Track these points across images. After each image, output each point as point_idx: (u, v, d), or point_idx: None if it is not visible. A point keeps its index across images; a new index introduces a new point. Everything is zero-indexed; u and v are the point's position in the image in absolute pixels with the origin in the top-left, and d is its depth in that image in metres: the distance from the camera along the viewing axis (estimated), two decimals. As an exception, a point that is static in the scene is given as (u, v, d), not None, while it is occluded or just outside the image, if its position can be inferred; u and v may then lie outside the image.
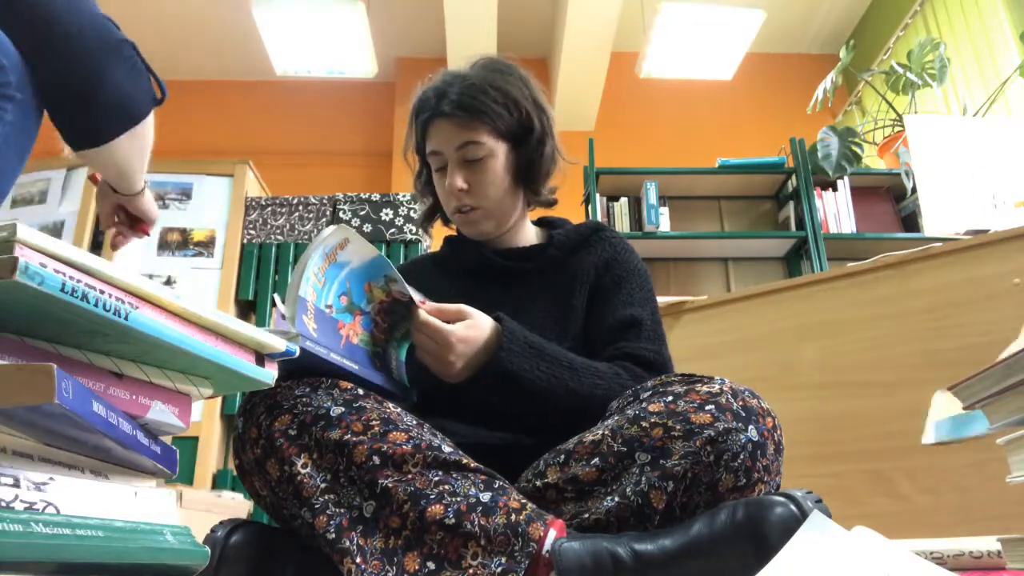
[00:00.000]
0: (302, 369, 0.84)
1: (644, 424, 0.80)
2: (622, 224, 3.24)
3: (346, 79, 4.17)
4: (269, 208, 3.06)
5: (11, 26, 0.81)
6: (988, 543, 0.83)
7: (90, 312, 0.44)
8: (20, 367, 0.42)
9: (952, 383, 0.80)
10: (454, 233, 1.23)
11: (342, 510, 0.76)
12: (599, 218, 3.24)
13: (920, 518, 1.41)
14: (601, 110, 4.50)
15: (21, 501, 0.44)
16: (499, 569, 0.71)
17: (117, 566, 0.49)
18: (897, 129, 3.26)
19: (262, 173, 3.26)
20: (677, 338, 1.83)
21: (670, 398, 0.82)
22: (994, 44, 3.36)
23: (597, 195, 3.26)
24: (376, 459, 0.77)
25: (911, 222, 3.22)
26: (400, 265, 1.23)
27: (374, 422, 0.80)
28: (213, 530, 0.84)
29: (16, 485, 0.44)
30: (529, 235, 1.20)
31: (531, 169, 1.13)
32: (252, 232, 3.02)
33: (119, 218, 1.17)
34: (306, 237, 3.01)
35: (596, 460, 0.82)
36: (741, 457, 0.76)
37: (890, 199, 3.30)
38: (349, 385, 0.85)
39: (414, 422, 0.84)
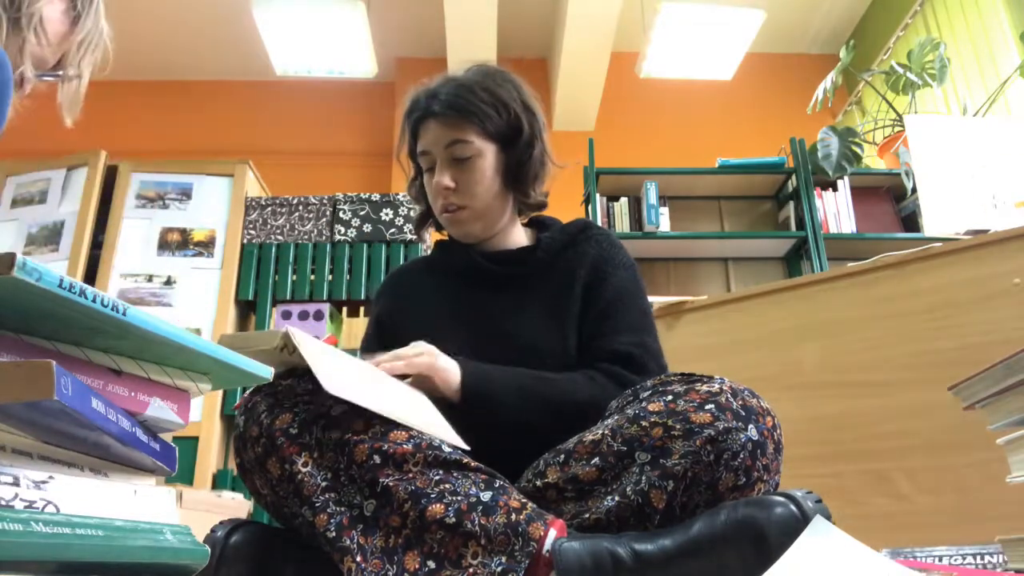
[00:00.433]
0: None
1: (644, 423, 0.80)
2: (622, 224, 3.24)
3: (346, 79, 4.17)
4: (269, 208, 3.06)
5: None
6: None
7: (88, 308, 0.44)
8: (19, 364, 0.42)
9: (952, 383, 0.80)
10: (445, 237, 1.24)
11: (343, 509, 0.76)
12: (599, 218, 3.24)
13: (920, 518, 1.41)
14: (601, 110, 4.51)
15: (21, 500, 0.44)
16: (499, 568, 0.71)
17: (117, 565, 0.49)
18: (897, 129, 3.26)
19: (262, 173, 3.26)
20: (677, 338, 1.83)
21: (670, 397, 0.82)
22: (994, 44, 3.35)
23: (597, 195, 3.26)
24: (377, 458, 0.77)
25: (911, 222, 3.22)
26: (392, 270, 1.24)
27: (375, 421, 0.80)
28: (213, 530, 0.84)
29: (16, 484, 0.44)
30: (519, 237, 1.20)
31: (520, 171, 1.13)
32: (252, 232, 3.02)
33: None
34: (306, 237, 3.01)
35: (596, 460, 0.82)
36: (741, 456, 0.76)
37: (890, 199, 3.31)
38: None
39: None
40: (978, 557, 0.93)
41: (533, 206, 1.19)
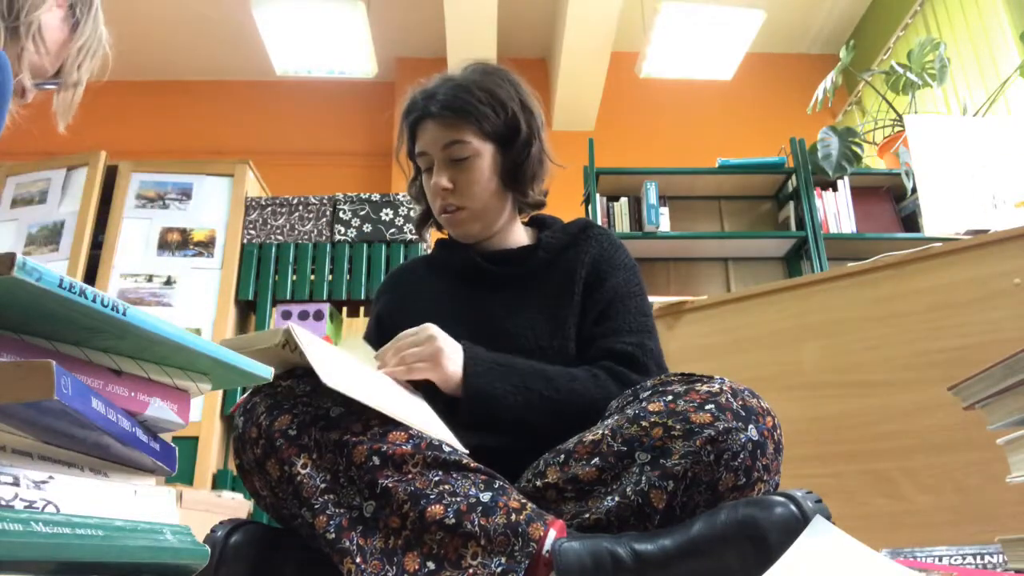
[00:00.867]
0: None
1: (644, 424, 0.80)
2: (622, 224, 3.24)
3: (346, 79, 4.17)
4: (269, 208, 3.06)
5: None
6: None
7: (88, 308, 0.44)
8: (19, 364, 0.42)
9: (952, 383, 0.80)
10: (446, 236, 1.23)
11: (342, 510, 0.76)
12: (599, 218, 3.24)
13: (920, 518, 1.41)
14: (601, 110, 4.51)
15: (21, 500, 0.44)
16: (499, 569, 0.70)
17: (117, 565, 0.48)
18: (897, 129, 3.27)
19: (262, 173, 3.26)
20: (677, 338, 1.83)
21: (670, 397, 0.82)
22: (994, 44, 3.35)
23: (597, 195, 3.26)
24: (376, 459, 0.77)
25: (911, 222, 3.22)
26: (393, 268, 1.23)
27: (373, 422, 0.80)
28: (213, 530, 0.84)
29: (16, 484, 0.44)
30: (519, 236, 1.20)
31: (518, 171, 1.13)
32: (252, 232, 3.02)
33: None
34: (306, 237, 3.01)
35: (596, 460, 0.81)
36: (741, 456, 0.76)
37: (890, 199, 3.31)
38: None
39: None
40: (978, 557, 0.93)
41: (532, 205, 1.19)
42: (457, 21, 3.88)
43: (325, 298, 2.92)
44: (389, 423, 0.80)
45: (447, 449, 0.80)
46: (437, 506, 0.74)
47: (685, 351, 1.81)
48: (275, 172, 3.58)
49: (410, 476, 0.77)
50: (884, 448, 1.49)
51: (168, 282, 2.92)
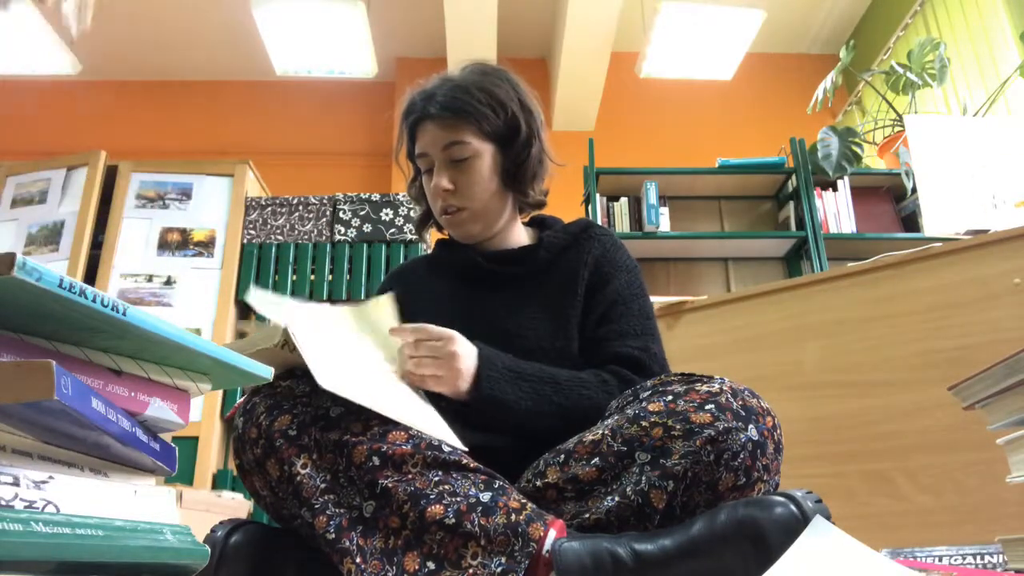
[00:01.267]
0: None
1: (644, 424, 0.80)
2: (622, 224, 3.24)
3: (346, 79, 4.17)
4: (269, 208, 3.06)
5: None
6: None
7: (88, 308, 0.44)
8: (19, 364, 0.42)
9: (952, 383, 0.80)
10: (446, 236, 1.23)
11: (342, 510, 0.76)
12: (599, 218, 3.24)
13: (920, 518, 1.41)
14: (601, 110, 4.50)
15: (21, 500, 0.44)
16: (499, 569, 0.70)
17: (117, 565, 0.48)
18: (897, 129, 3.26)
19: (262, 173, 3.26)
20: (677, 338, 1.83)
21: (670, 397, 0.82)
22: (994, 44, 3.36)
23: (597, 195, 3.26)
24: (376, 459, 0.77)
25: (911, 222, 3.22)
26: (394, 268, 1.23)
27: (373, 422, 0.80)
28: (213, 530, 0.84)
29: (16, 484, 0.44)
30: (520, 236, 1.20)
31: (518, 171, 1.13)
32: (252, 232, 3.02)
33: None
34: (306, 237, 3.01)
35: (596, 460, 0.81)
36: (741, 456, 0.76)
37: (890, 199, 3.31)
38: None
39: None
40: (978, 557, 0.93)
41: (533, 205, 1.19)
42: (457, 21, 3.88)
43: (325, 298, 2.92)
44: (389, 423, 0.80)
45: (447, 449, 0.80)
46: (437, 506, 0.74)
47: (685, 351, 1.81)
48: (275, 172, 3.58)
49: (410, 476, 0.77)
50: (884, 448, 1.49)
51: (168, 282, 2.92)
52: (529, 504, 0.77)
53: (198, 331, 2.80)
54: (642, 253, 3.23)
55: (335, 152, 4.73)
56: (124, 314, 0.46)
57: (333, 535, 0.75)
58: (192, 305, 2.88)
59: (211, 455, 2.66)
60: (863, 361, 1.57)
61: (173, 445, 0.58)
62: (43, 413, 0.43)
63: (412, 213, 2.98)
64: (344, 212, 3.03)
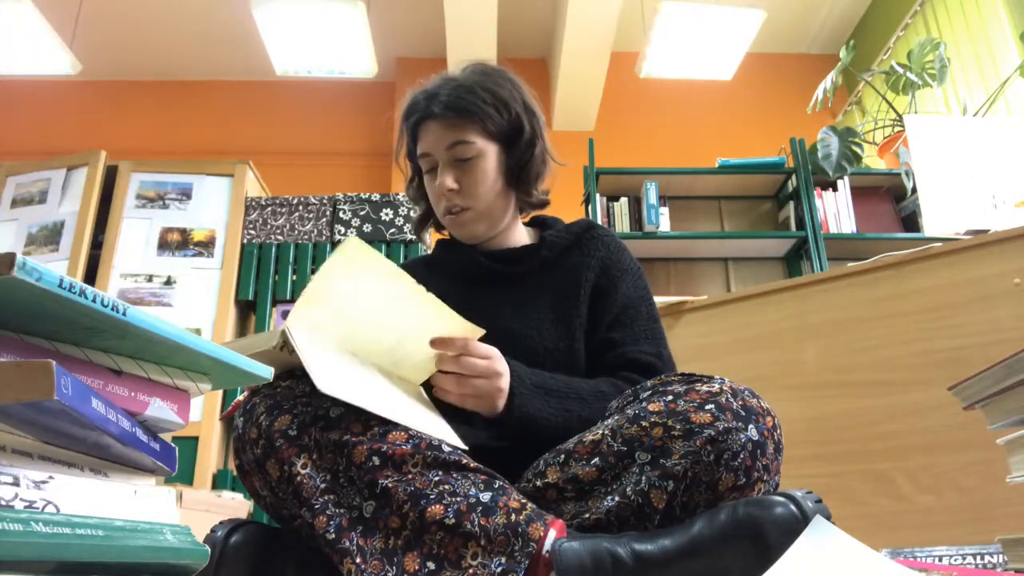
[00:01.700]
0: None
1: (644, 424, 0.80)
2: (622, 224, 3.24)
3: (346, 79, 4.17)
4: (269, 208, 3.06)
5: None
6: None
7: (88, 308, 0.44)
8: (19, 364, 0.42)
9: (952, 383, 0.80)
10: (446, 236, 1.23)
11: (342, 510, 0.76)
12: (599, 218, 3.24)
13: (920, 518, 1.41)
14: (601, 110, 4.51)
15: (21, 500, 0.44)
16: (499, 569, 0.70)
17: (117, 565, 0.48)
18: (897, 129, 3.27)
19: (262, 173, 3.26)
20: (677, 338, 1.83)
21: (670, 397, 0.82)
22: (994, 44, 3.36)
23: (597, 195, 3.26)
24: (376, 459, 0.77)
25: (911, 222, 3.22)
26: None
27: (373, 422, 0.80)
28: (213, 530, 0.84)
29: (16, 484, 0.44)
30: (521, 236, 1.20)
31: (522, 171, 1.13)
32: (252, 232, 3.02)
33: None
34: (306, 237, 3.01)
35: (596, 460, 0.81)
36: (741, 456, 0.76)
37: (890, 199, 3.31)
38: None
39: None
40: (978, 557, 0.93)
41: (536, 205, 1.19)
42: (457, 21, 3.88)
43: (325, 298, 2.92)
44: (389, 423, 0.80)
45: (447, 449, 0.80)
46: (437, 506, 0.74)
47: (685, 351, 1.81)
48: (275, 172, 3.59)
49: (410, 476, 0.77)
50: (884, 448, 1.49)
51: (168, 282, 2.92)
52: (529, 504, 0.77)
53: (198, 331, 2.80)
54: (642, 253, 3.23)
55: (335, 152, 4.73)
56: (124, 314, 0.46)
57: (333, 535, 0.75)
58: (192, 305, 2.88)
59: (211, 455, 2.66)
60: (863, 361, 1.57)
61: (173, 445, 0.58)
62: (43, 413, 0.43)
63: (412, 213, 2.98)
64: (344, 212, 3.03)
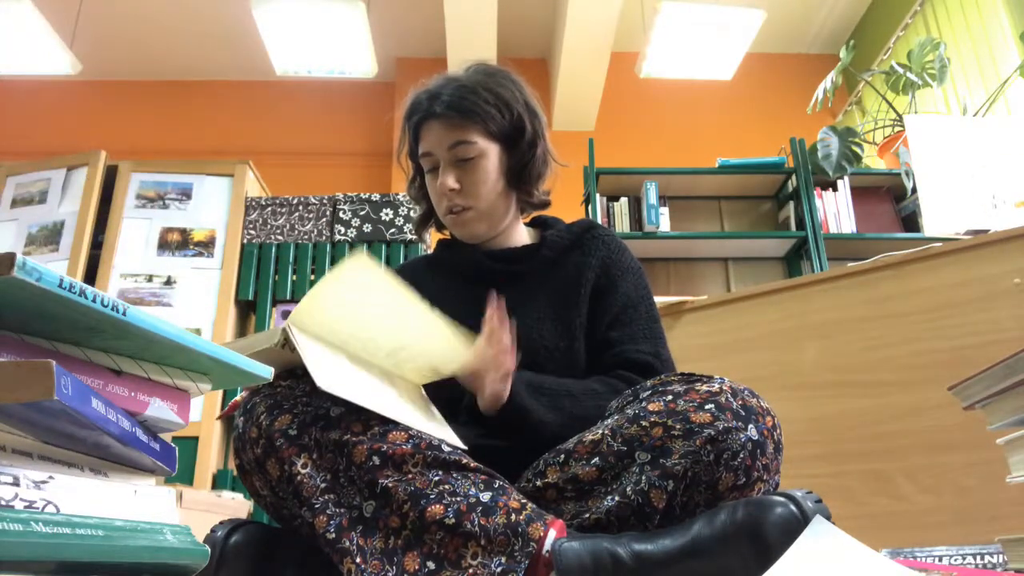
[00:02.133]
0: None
1: (644, 423, 0.80)
2: (622, 224, 3.24)
3: (346, 79, 4.17)
4: (269, 208, 3.06)
5: None
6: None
7: (88, 308, 0.44)
8: (19, 364, 0.42)
9: (952, 383, 0.80)
10: (447, 236, 1.23)
11: (342, 510, 0.76)
12: (599, 218, 3.24)
13: (920, 518, 1.41)
14: (601, 110, 4.50)
15: (21, 500, 0.44)
16: (499, 569, 0.70)
17: (117, 565, 0.48)
18: (897, 129, 3.27)
19: (262, 173, 3.26)
20: (677, 338, 1.83)
21: (669, 397, 0.82)
22: (994, 44, 3.36)
23: (597, 195, 3.26)
24: (376, 459, 0.77)
25: (911, 222, 3.22)
26: (393, 267, 1.23)
27: (373, 422, 0.80)
28: (213, 530, 0.84)
29: (16, 484, 0.44)
30: (522, 236, 1.20)
31: (523, 171, 1.13)
32: (252, 232, 3.02)
33: None
34: (306, 237, 3.01)
35: (596, 459, 0.81)
36: (741, 456, 0.76)
37: (890, 199, 3.31)
38: None
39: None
40: (978, 557, 0.93)
41: (537, 205, 1.19)
42: (457, 21, 3.88)
43: (325, 298, 2.92)
44: (389, 423, 0.80)
45: (447, 449, 0.80)
46: (437, 506, 0.74)
47: (685, 351, 1.81)
48: (275, 172, 3.59)
49: (410, 476, 0.77)
50: (884, 448, 1.49)
51: (168, 282, 2.92)
52: (529, 504, 0.77)
53: (198, 331, 2.80)
54: (642, 253, 3.23)
55: (335, 152, 4.73)
56: (124, 314, 0.46)
57: (333, 535, 0.75)
58: (192, 305, 2.88)
59: (211, 455, 2.66)
60: (863, 361, 1.57)
61: (173, 445, 0.58)
62: (43, 413, 0.43)
63: (412, 213, 2.98)
64: (344, 212, 3.03)
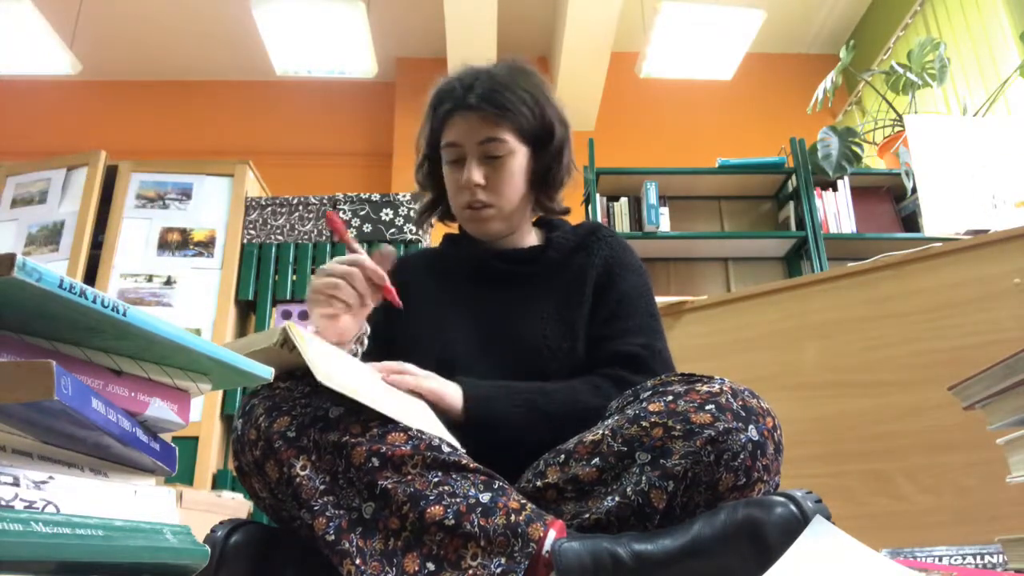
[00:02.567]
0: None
1: (644, 424, 0.80)
2: (622, 224, 3.24)
3: (346, 79, 4.17)
4: (269, 208, 3.06)
5: None
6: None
7: (88, 309, 0.44)
8: (19, 364, 0.42)
9: (952, 383, 0.80)
10: (452, 230, 1.22)
11: (341, 512, 0.76)
12: (599, 218, 3.24)
13: (920, 518, 1.41)
14: (601, 110, 4.50)
15: (21, 500, 0.44)
16: (499, 570, 0.70)
17: (117, 565, 0.48)
18: (897, 129, 3.27)
19: (262, 173, 3.26)
20: (677, 338, 1.83)
21: (670, 398, 0.82)
22: (994, 44, 3.35)
23: (597, 195, 3.26)
24: (375, 460, 0.77)
25: (911, 222, 3.22)
26: (400, 256, 1.22)
27: (373, 423, 0.80)
28: (213, 530, 0.84)
29: (16, 484, 0.44)
30: (529, 237, 1.20)
31: (546, 176, 1.13)
32: (252, 232, 3.02)
33: None
34: (306, 237, 3.01)
35: (596, 460, 0.81)
36: (741, 457, 0.76)
37: (890, 199, 3.31)
38: None
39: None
40: (978, 557, 0.93)
41: (557, 212, 1.18)
42: (457, 21, 3.88)
43: (325, 298, 2.91)
44: (388, 424, 0.80)
45: (446, 450, 0.80)
46: (436, 507, 0.74)
47: (685, 351, 1.80)
48: (275, 172, 3.58)
49: (409, 477, 0.77)
50: (884, 448, 1.49)
51: (168, 282, 2.91)
52: (529, 504, 0.77)
53: (198, 331, 2.80)
54: (642, 253, 3.19)
55: (335, 152, 4.73)
56: (124, 315, 0.46)
57: (333, 537, 0.75)
58: (192, 305, 2.87)
59: (211, 455, 2.66)
60: (863, 361, 1.57)
61: (173, 445, 0.58)
62: (43, 413, 0.43)
63: (412, 213, 2.98)
64: (344, 212, 3.03)
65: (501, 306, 1.10)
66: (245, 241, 3.00)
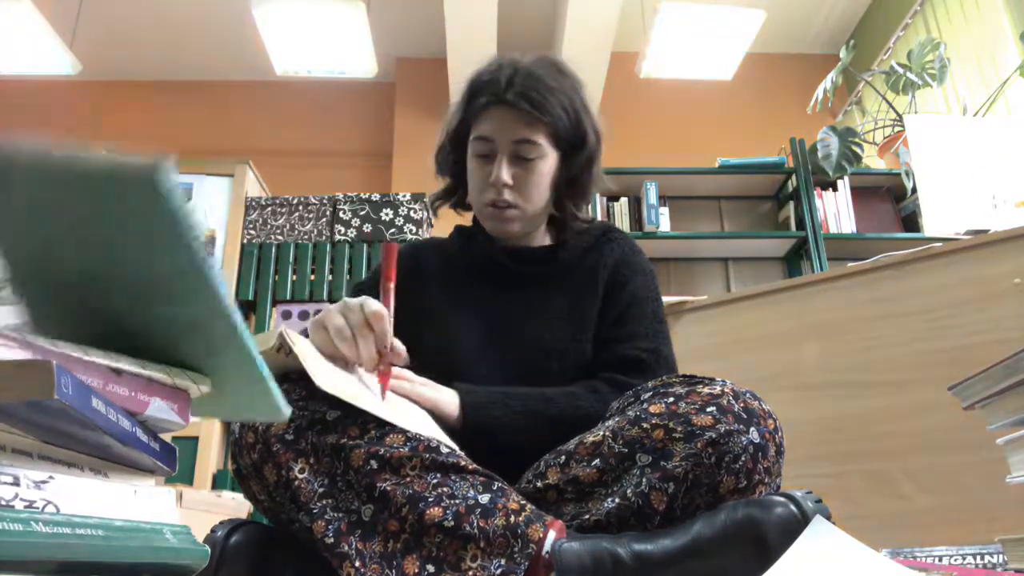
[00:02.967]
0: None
1: (645, 425, 0.80)
2: (622, 224, 3.24)
3: (346, 79, 4.17)
4: (269, 208, 3.06)
5: None
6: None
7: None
8: (19, 363, 0.42)
9: (952, 383, 0.80)
10: (464, 222, 1.21)
11: (340, 514, 0.76)
12: (599, 218, 3.24)
13: (920, 518, 1.41)
14: (601, 110, 4.49)
15: (21, 500, 0.44)
16: (498, 571, 0.70)
17: (117, 565, 0.48)
18: (897, 129, 3.27)
19: (262, 173, 3.26)
20: (677, 338, 1.81)
21: (671, 399, 0.82)
22: (994, 44, 3.35)
23: (597, 195, 3.26)
24: (374, 463, 0.77)
25: (911, 222, 3.22)
26: (407, 244, 1.21)
27: (371, 425, 0.80)
28: (213, 530, 0.84)
29: (16, 484, 0.44)
30: (542, 237, 1.19)
31: (575, 183, 1.12)
32: (252, 232, 3.02)
33: None
34: (306, 237, 3.01)
35: (597, 461, 0.81)
36: (742, 459, 0.76)
37: (890, 199, 3.31)
38: None
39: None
40: (978, 557, 0.93)
41: (582, 221, 1.16)
42: (457, 21, 3.88)
43: (325, 298, 2.92)
44: (386, 426, 0.80)
45: (445, 451, 0.80)
46: (436, 508, 0.74)
47: (685, 351, 1.79)
48: (275, 172, 3.58)
49: (408, 479, 0.76)
50: (884, 448, 1.49)
51: (168, 282, 2.91)
52: (528, 505, 0.77)
53: (198, 331, 2.79)
54: (642, 253, 3.23)
55: (335, 152, 4.73)
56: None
57: (332, 539, 0.75)
58: (192, 305, 2.87)
59: (211, 455, 2.66)
60: (863, 361, 1.57)
61: (173, 445, 0.58)
62: (43, 412, 0.43)
63: (412, 213, 2.98)
64: (344, 212, 3.03)
65: (511, 306, 1.10)
66: (245, 241, 2.99)
